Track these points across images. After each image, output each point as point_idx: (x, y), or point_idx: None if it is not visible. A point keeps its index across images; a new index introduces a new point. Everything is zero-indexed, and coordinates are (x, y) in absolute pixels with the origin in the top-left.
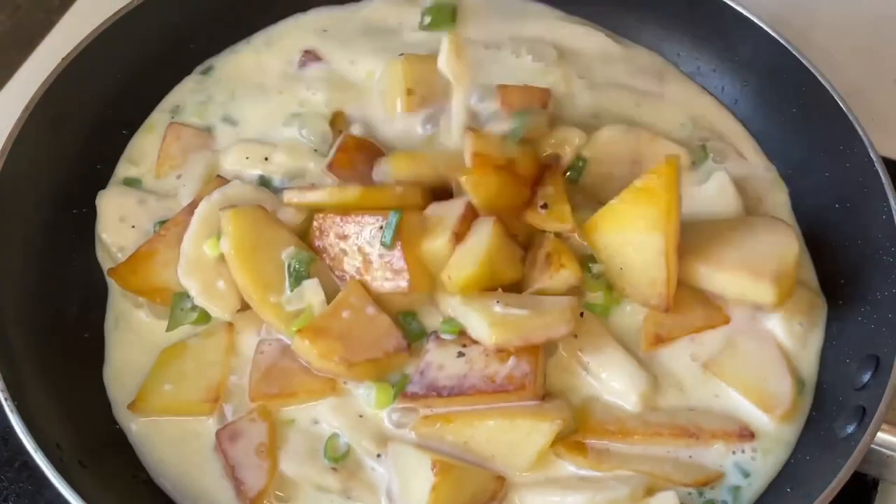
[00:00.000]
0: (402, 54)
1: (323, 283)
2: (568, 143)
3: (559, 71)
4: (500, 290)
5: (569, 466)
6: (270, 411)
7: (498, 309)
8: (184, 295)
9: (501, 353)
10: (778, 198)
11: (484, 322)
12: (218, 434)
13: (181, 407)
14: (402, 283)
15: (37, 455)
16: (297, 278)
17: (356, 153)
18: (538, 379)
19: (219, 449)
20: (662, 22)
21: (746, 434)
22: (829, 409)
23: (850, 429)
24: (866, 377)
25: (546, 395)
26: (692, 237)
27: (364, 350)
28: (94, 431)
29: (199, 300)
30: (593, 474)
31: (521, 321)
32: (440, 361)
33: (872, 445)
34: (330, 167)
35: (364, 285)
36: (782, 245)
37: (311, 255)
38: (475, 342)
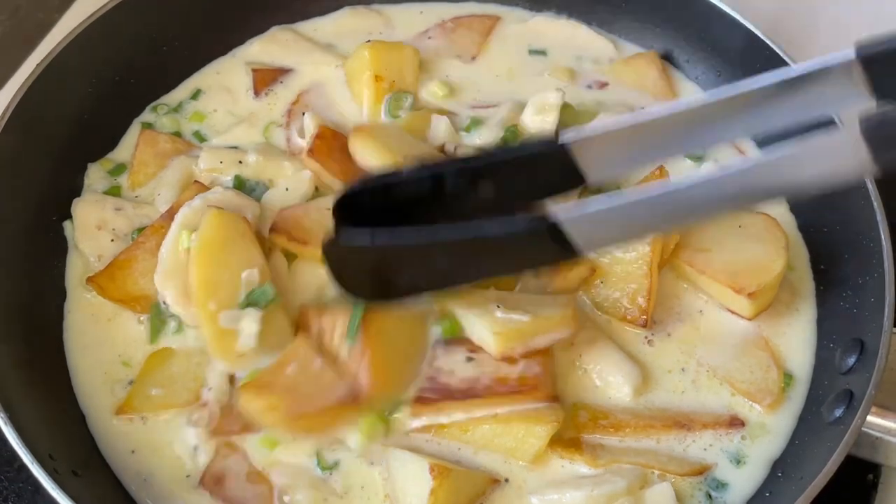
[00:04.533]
0: (368, 40)
1: (275, 326)
2: None
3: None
4: (492, 288)
5: (565, 464)
6: (237, 445)
7: (499, 314)
8: (162, 304)
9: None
10: None
11: (488, 330)
12: (203, 483)
13: (171, 408)
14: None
15: (33, 467)
16: (249, 304)
17: (333, 141)
18: (549, 379)
19: (214, 497)
20: (634, 14)
21: (737, 423)
22: (815, 393)
23: (839, 412)
24: (852, 361)
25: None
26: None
27: (308, 403)
28: (85, 440)
29: (175, 308)
30: (590, 471)
31: (524, 328)
32: (450, 367)
33: (863, 429)
34: (310, 153)
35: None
36: (769, 258)
37: (275, 292)
38: (481, 348)
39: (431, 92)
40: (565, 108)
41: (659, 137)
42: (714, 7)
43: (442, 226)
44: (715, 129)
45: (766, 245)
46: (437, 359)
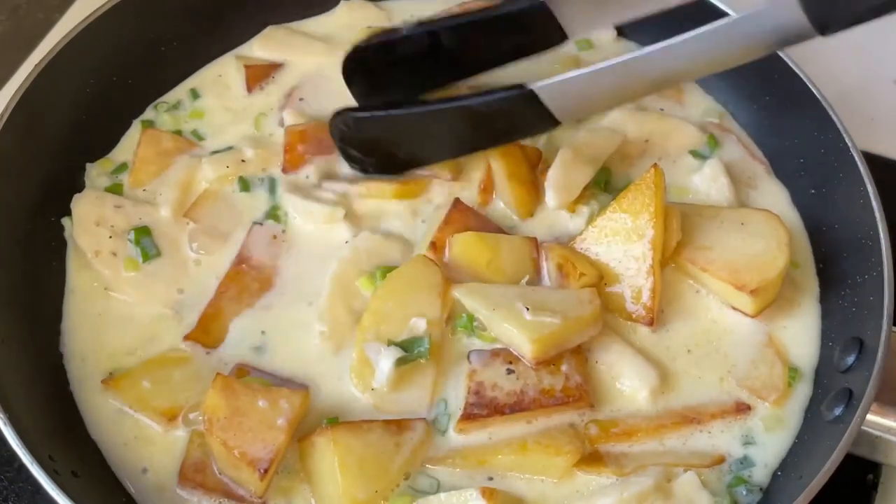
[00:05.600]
0: (368, 27)
1: (416, 379)
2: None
3: None
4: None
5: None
6: None
7: (528, 317)
8: None
9: (551, 366)
10: (772, 187)
11: (524, 337)
12: (184, 476)
13: (145, 407)
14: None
15: (33, 468)
16: (400, 345)
17: (306, 145)
18: (589, 387)
19: (197, 488)
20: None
21: (743, 407)
22: (815, 392)
23: (838, 411)
24: (851, 360)
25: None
26: (686, 228)
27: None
28: (85, 441)
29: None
30: (616, 479)
31: (557, 333)
32: (492, 380)
33: (863, 427)
34: (285, 171)
35: None
36: (771, 255)
37: (428, 349)
38: (519, 358)
39: None
40: None
41: None
42: (714, 7)
43: (431, 100)
44: None
45: (768, 242)
46: (477, 373)
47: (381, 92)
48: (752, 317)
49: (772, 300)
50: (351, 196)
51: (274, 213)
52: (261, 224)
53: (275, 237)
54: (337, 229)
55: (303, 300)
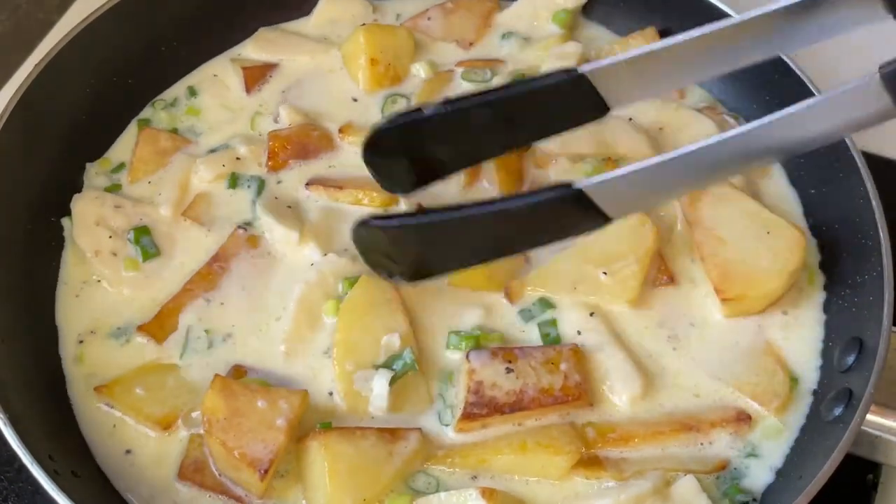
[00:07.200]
0: (363, 24)
1: (411, 391)
2: None
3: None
4: None
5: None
6: None
7: (606, 280)
8: None
9: (550, 365)
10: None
11: (620, 300)
12: (183, 475)
13: (139, 414)
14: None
15: (33, 468)
16: (385, 366)
17: (290, 149)
18: (588, 386)
19: (195, 486)
20: (629, 11)
21: (744, 417)
22: (816, 396)
23: (838, 411)
24: (851, 360)
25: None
26: (717, 211)
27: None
28: (84, 441)
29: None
30: (615, 483)
31: (639, 274)
32: (492, 379)
33: (862, 427)
34: (270, 168)
35: None
36: (768, 275)
37: (413, 360)
38: (518, 357)
39: (417, 70)
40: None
41: (680, 62)
42: (712, 6)
43: (467, 204)
44: (737, 50)
45: (776, 261)
46: (476, 372)
47: (406, 174)
48: (724, 317)
49: (747, 311)
50: (330, 201)
51: (250, 222)
52: (244, 229)
53: (254, 243)
54: (307, 245)
55: (263, 311)
